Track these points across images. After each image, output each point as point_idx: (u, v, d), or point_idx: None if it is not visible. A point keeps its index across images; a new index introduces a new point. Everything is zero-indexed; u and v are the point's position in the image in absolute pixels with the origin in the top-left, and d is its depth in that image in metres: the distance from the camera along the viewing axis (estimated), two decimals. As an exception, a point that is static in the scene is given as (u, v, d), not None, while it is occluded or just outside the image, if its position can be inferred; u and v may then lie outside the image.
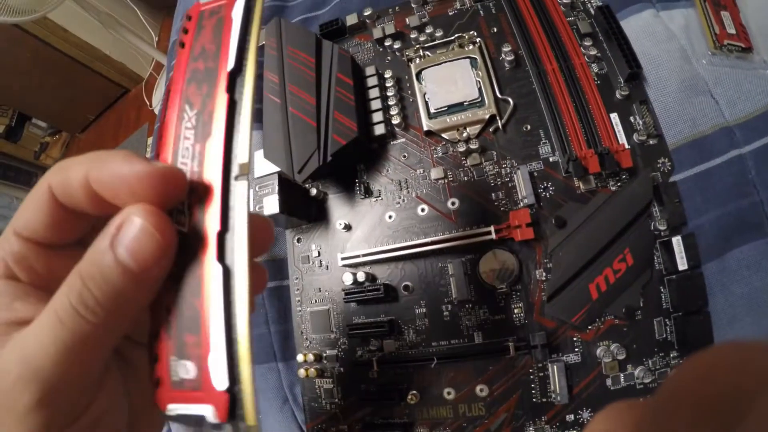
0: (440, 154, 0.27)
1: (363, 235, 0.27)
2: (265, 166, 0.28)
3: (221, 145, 0.12)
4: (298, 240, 0.28)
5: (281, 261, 0.29)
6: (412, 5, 0.31)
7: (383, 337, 0.26)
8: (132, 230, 0.11)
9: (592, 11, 0.28)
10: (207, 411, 0.11)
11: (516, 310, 0.24)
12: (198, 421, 0.11)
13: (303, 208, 0.28)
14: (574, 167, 0.24)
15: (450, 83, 0.27)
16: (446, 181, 0.26)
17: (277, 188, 0.25)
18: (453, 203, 0.26)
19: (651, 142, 0.25)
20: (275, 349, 0.28)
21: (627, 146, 0.25)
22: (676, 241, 0.24)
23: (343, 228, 0.27)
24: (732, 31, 0.28)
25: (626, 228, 0.24)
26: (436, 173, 0.26)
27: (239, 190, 0.12)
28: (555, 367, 0.24)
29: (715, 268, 0.24)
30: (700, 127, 0.26)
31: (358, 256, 0.26)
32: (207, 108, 0.13)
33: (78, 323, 0.12)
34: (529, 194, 0.25)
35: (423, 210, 0.26)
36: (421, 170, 0.27)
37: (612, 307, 0.24)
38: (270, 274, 0.28)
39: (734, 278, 0.24)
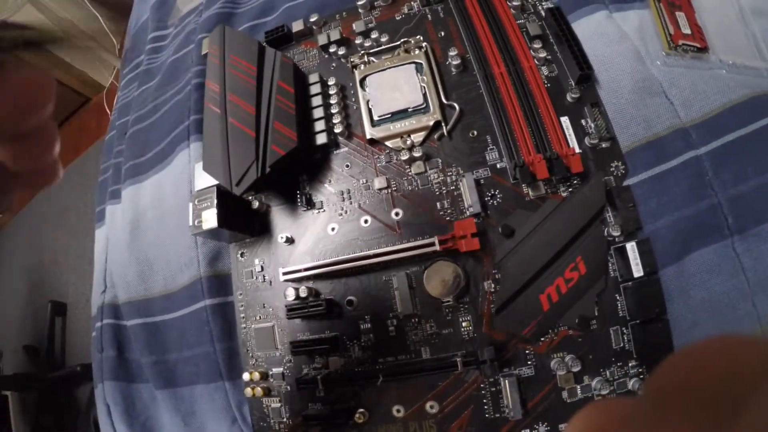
0: (384, 163, 0.25)
1: (306, 248, 0.25)
2: (205, 179, 0.25)
3: None
4: (242, 254, 0.26)
5: (226, 277, 0.27)
6: (359, 10, 0.29)
7: (328, 353, 0.24)
8: None
9: (543, 13, 0.26)
10: None
11: (464, 324, 0.22)
12: None
13: (245, 222, 0.25)
14: (522, 173, 0.22)
15: (394, 89, 0.25)
16: (390, 190, 0.24)
17: (215, 201, 0.23)
18: (397, 214, 0.24)
19: (603, 145, 0.23)
20: (221, 368, 0.26)
21: (578, 150, 0.23)
22: (631, 247, 0.21)
23: (286, 241, 0.25)
24: (687, 31, 0.26)
25: (578, 235, 0.22)
26: (379, 183, 0.24)
27: None
28: (507, 381, 0.21)
29: (674, 273, 0.22)
30: (655, 128, 0.23)
31: (300, 271, 0.24)
32: None
33: None
34: (475, 203, 0.22)
35: (366, 221, 0.24)
36: (365, 180, 0.25)
37: (565, 318, 0.21)
38: (214, 290, 0.26)
39: (694, 283, 0.22)
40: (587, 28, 0.26)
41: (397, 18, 0.28)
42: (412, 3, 0.28)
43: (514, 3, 0.26)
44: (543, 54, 0.25)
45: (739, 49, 0.27)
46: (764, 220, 0.22)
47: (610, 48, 0.25)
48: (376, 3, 0.29)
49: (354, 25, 0.28)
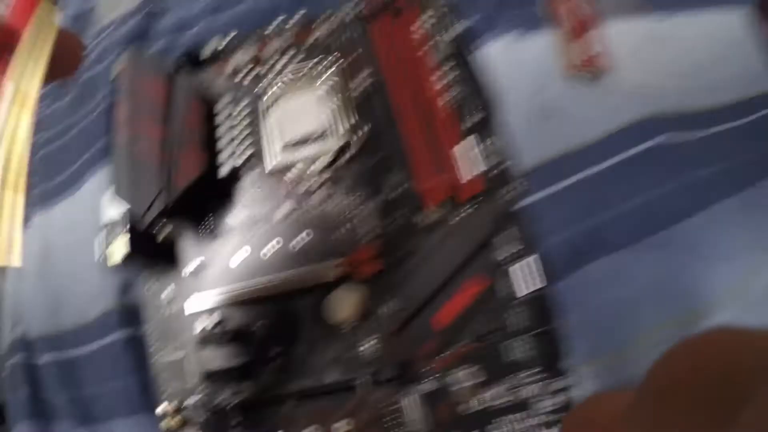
0: (290, 188, 0.25)
1: (215, 276, 0.25)
2: (113, 208, 0.25)
3: None
4: (152, 284, 0.26)
5: (137, 308, 0.26)
6: (274, 30, 0.29)
7: (241, 380, 0.24)
8: None
9: (450, 38, 0.27)
10: None
11: (367, 345, 0.23)
12: None
13: (154, 251, 0.25)
14: (421, 198, 0.23)
15: (303, 113, 0.25)
16: (296, 216, 0.25)
17: (125, 231, 0.23)
18: (303, 239, 0.24)
19: (501, 167, 0.24)
20: (137, 402, 0.25)
21: (476, 173, 0.24)
22: (524, 264, 0.23)
23: (195, 270, 0.25)
24: (587, 57, 0.28)
25: (473, 256, 0.23)
26: (285, 208, 0.24)
27: None
28: (412, 398, 0.22)
29: (568, 285, 0.23)
30: (550, 151, 0.25)
31: (208, 300, 0.24)
32: None
33: None
34: (377, 227, 0.23)
35: (273, 247, 0.24)
36: (272, 206, 0.25)
37: (462, 335, 0.23)
38: (126, 321, 0.26)
39: (588, 293, 0.23)
40: (492, 53, 0.27)
41: (311, 40, 0.28)
42: (328, 25, 0.28)
43: (426, 25, 0.27)
44: (447, 79, 0.26)
45: (637, 72, 0.28)
46: (657, 230, 0.23)
47: (512, 72, 0.26)
48: (292, 22, 0.29)
49: (268, 46, 0.28)
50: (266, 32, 0.29)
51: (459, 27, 0.27)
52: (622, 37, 0.30)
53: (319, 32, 0.28)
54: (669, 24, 0.30)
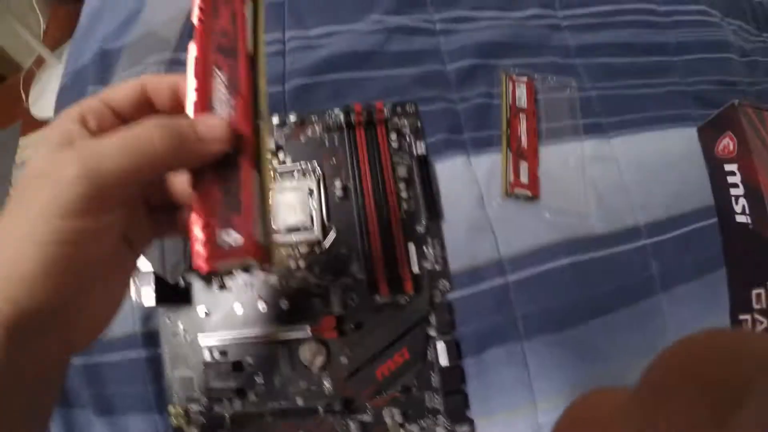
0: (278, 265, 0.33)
1: (218, 320, 0.33)
2: (145, 262, 0.33)
3: (250, 102, 0.18)
4: (169, 318, 0.34)
5: (156, 333, 0.34)
6: (275, 126, 0.35)
7: (234, 398, 0.33)
8: (211, 119, 0.17)
9: (415, 154, 0.34)
10: (249, 260, 0.16)
11: (326, 383, 0.32)
12: (246, 266, 0.17)
13: (172, 296, 0.33)
14: (370, 289, 0.31)
15: (290, 208, 0.33)
16: (280, 285, 0.33)
17: (152, 284, 0.31)
18: (284, 304, 0.32)
19: (437, 268, 0.32)
20: (153, 404, 0.34)
21: (416, 272, 0.32)
22: (441, 345, 0.31)
23: (203, 313, 0.33)
24: (524, 180, 0.34)
25: (406, 332, 0.31)
26: (273, 279, 0.32)
27: (262, 126, 0.18)
28: (354, 424, 0.32)
29: (473, 362, 0.31)
30: (478, 259, 0.32)
31: (213, 338, 0.32)
32: (236, 74, 0.18)
33: (147, 146, 0.15)
34: (337, 304, 0.31)
35: (263, 307, 0.32)
36: (262, 275, 0.33)
37: (394, 385, 0.31)
38: (147, 342, 0.34)
39: (488, 369, 0.31)
40: (447, 170, 0.34)
41: (302, 140, 0.35)
42: (315, 126, 0.35)
43: (393, 145, 0.33)
44: (405, 195, 0.33)
45: (568, 195, 0.35)
46: (547, 332, 0.32)
47: (459, 191, 0.34)
48: (287, 121, 0.35)
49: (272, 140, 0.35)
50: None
51: (421, 146, 0.34)
52: (553, 165, 0.35)
53: (310, 131, 0.35)
54: (608, 146, 0.37)
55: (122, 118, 0.19)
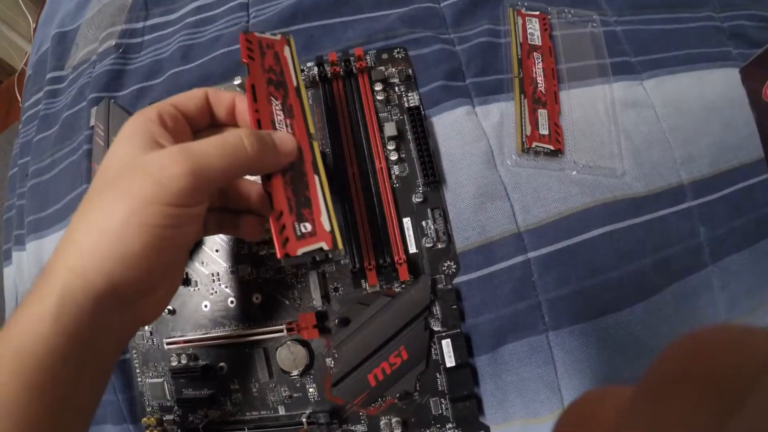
0: (246, 252, 0.27)
1: (185, 320, 0.28)
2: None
3: (302, 123, 0.22)
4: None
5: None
6: (237, 89, 0.29)
7: (207, 407, 0.28)
8: (285, 135, 0.20)
9: (407, 106, 0.27)
10: (322, 244, 0.19)
11: (311, 390, 0.27)
12: (319, 250, 0.19)
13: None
14: (357, 276, 0.25)
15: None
16: (252, 277, 0.27)
17: None
18: (257, 298, 0.27)
19: (439, 246, 0.26)
20: (125, 414, 0.30)
21: (414, 251, 0.26)
22: (446, 342, 0.25)
23: (168, 313, 0.28)
24: (544, 131, 0.27)
25: (403, 328, 0.25)
26: (243, 270, 0.27)
27: (314, 142, 0.22)
28: (346, 435, 0.27)
29: (487, 360, 0.26)
30: (490, 233, 0.26)
31: (179, 342, 0.28)
32: (287, 101, 0.22)
33: (240, 151, 0.18)
34: (318, 298, 0.26)
35: (232, 302, 0.27)
36: (231, 265, 0.28)
37: (390, 391, 0.26)
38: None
39: (505, 368, 0.26)
40: (446, 124, 0.27)
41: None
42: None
43: (379, 98, 0.27)
44: (395, 156, 0.26)
45: (597, 148, 0.28)
46: (579, 321, 0.25)
47: (464, 148, 0.27)
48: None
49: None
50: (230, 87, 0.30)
51: (413, 97, 0.27)
52: (579, 111, 0.28)
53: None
54: (641, 89, 0.29)
55: (189, 121, 0.21)
